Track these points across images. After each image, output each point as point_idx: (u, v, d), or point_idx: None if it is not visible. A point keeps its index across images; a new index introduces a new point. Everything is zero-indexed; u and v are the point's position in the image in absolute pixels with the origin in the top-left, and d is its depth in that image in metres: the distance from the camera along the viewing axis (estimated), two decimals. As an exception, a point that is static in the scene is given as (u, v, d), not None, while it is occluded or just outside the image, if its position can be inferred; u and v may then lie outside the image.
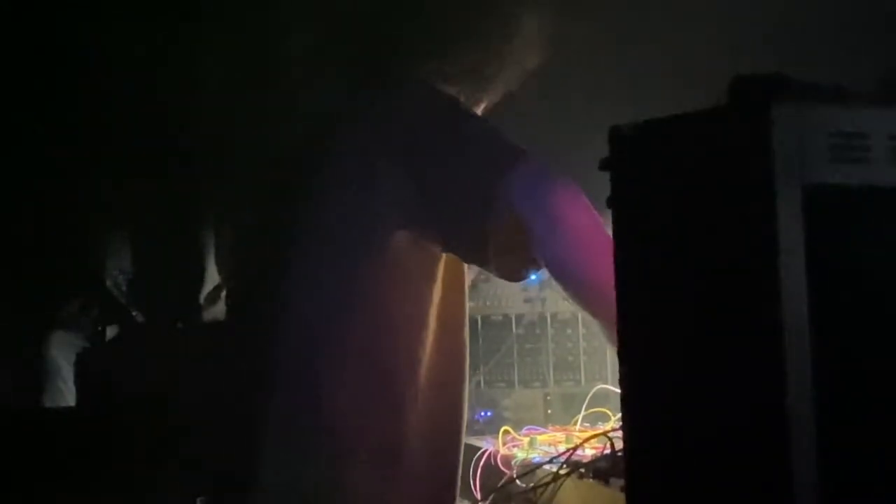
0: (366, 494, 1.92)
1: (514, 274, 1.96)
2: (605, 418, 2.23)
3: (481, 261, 1.91)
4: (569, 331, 2.63)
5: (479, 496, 2.10)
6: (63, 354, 2.59)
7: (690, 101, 1.19)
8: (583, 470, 1.83)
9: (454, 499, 2.07)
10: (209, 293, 2.22)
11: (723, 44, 2.18)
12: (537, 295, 2.65)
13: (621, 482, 1.63)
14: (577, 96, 2.41)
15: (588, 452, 1.94)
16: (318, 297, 1.94)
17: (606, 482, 1.76)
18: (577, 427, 2.26)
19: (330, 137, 1.98)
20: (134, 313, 2.26)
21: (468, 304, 2.62)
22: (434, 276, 1.96)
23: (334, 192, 1.95)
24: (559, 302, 2.64)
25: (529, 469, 2.00)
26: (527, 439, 2.20)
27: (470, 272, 2.38)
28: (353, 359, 1.92)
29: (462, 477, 2.21)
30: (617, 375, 1.32)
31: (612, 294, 1.29)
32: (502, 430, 2.22)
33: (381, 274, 1.90)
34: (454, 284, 2.02)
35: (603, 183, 1.28)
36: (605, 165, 1.28)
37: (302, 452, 1.92)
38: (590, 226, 1.73)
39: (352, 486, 1.91)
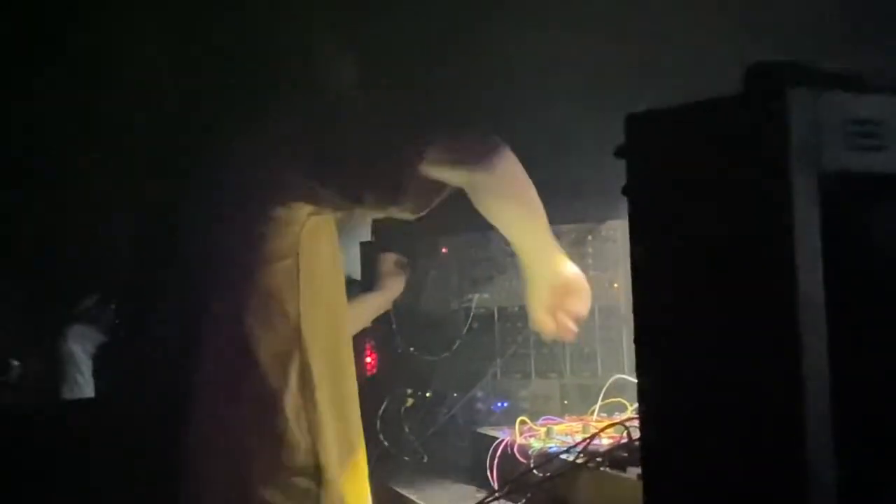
0: None
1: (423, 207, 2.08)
2: (622, 408, 2.23)
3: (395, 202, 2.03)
4: (585, 321, 2.62)
5: (496, 486, 2.10)
6: (82, 347, 2.61)
7: (704, 90, 1.19)
8: (600, 459, 1.84)
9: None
10: None
11: (738, 31, 2.18)
12: (553, 286, 2.65)
13: (638, 471, 1.63)
14: (589, 83, 2.41)
15: (605, 442, 1.94)
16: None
17: (623, 471, 1.76)
18: (594, 417, 2.25)
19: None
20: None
21: (481, 297, 2.65)
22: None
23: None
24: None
25: (546, 459, 2.00)
26: (543, 429, 2.20)
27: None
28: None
29: (479, 467, 2.21)
30: (633, 365, 1.32)
31: None
32: (519, 419, 2.22)
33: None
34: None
35: (619, 171, 1.28)
36: (620, 153, 1.28)
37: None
38: None
39: None
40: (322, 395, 1.99)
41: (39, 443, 2.24)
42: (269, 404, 1.92)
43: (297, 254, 1.98)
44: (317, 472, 1.95)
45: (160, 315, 1.99)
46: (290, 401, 1.94)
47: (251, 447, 1.92)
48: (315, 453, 1.96)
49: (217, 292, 1.95)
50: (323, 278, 2.04)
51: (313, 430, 1.96)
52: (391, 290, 2.56)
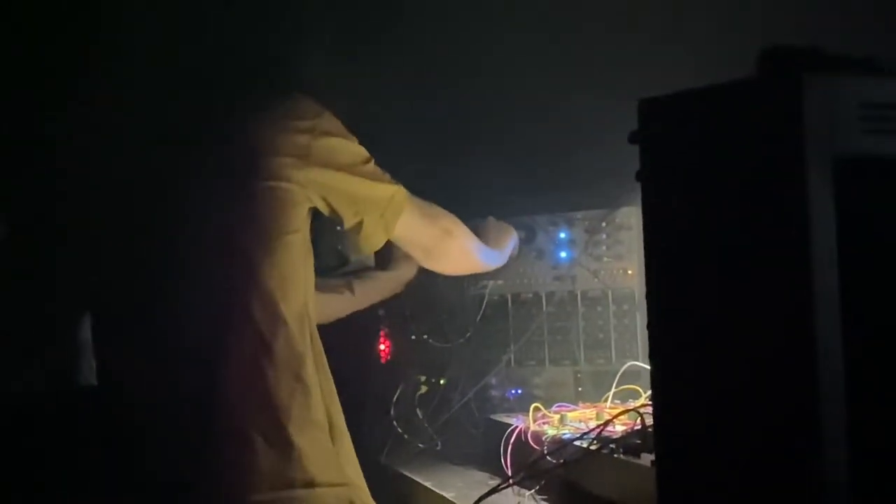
0: None
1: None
2: (636, 395, 2.22)
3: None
4: (599, 308, 2.62)
5: (510, 472, 2.10)
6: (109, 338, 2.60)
7: (718, 74, 1.19)
8: (613, 446, 1.84)
9: None
10: None
11: (752, 15, 2.17)
12: (567, 272, 2.64)
13: (652, 457, 1.63)
14: (604, 65, 2.40)
15: (618, 429, 1.94)
16: None
17: (637, 457, 1.76)
18: (608, 404, 2.25)
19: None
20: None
21: (496, 283, 2.65)
22: None
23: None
24: (589, 279, 2.63)
25: (560, 445, 2.00)
26: (557, 416, 2.20)
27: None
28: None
29: (492, 454, 2.21)
30: (647, 352, 1.32)
31: None
32: (533, 406, 2.22)
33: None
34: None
35: (630, 152, 1.28)
36: (633, 138, 1.27)
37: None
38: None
39: None
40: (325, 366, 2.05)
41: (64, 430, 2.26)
42: (298, 363, 1.97)
43: (304, 237, 2.03)
44: (332, 430, 2.01)
45: (185, 287, 2.01)
46: (310, 364, 1.99)
47: (284, 399, 1.96)
48: (330, 415, 2.01)
49: (238, 262, 1.98)
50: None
51: (327, 395, 2.02)
52: (404, 271, 2.55)
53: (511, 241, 2.60)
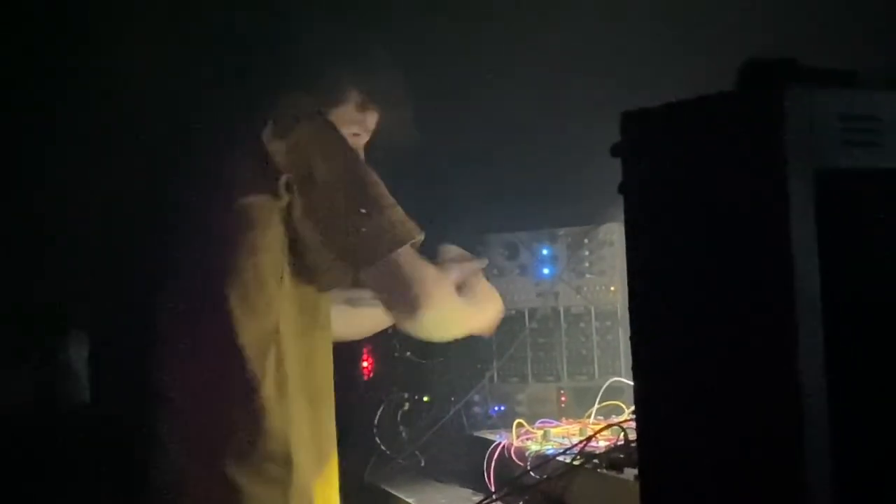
0: None
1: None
2: (619, 411, 2.23)
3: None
4: (582, 324, 2.62)
5: (493, 488, 2.10)
6: (79, 353, 2.60)
7: (700, 87, 1.19)
8: (596, 461, 1.83)
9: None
10: None
11: (733, 28, 2.18)
12: (550, 289, 2.65)
13: (635, 472, 1.63)
14: (585, 81, 2.40)
15: (602, 444, 1.94)
16: None
17: (620, 472, 1.76)
18: (591, 420, 2.25)
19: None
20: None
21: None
22: None
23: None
24: (572, 296, 2.64)
25: (543, 461, 1.99)
26: (540, 432, 2.20)
27: None
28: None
29: (476, 470, 2.21)
30: (630, 368, 1.32)
31: None
32: (516, 422, 2.22)
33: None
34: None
35: (614, 169, 1.28)
36: (616, 151, 1.27)
37: None
38: None
39: None
40: (295, 393, 1.96)
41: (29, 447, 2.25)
42: (249, 388, 1.90)
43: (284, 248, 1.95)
44: (287, 463, 1.92)
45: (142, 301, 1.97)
46: (268, 389, 1.91)
47: (227, 425, 1.90)
48: (288, 444, 1.93)
49: (201, 278, 1.93)
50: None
51: (286, 423, 1.93)
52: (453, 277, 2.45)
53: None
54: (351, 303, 2.19)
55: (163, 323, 1.93)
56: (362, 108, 2.14)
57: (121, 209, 2.02)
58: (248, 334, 1.90)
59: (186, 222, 1.95)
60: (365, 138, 2.18)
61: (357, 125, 2.14)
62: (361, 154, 2.12)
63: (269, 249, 1.93)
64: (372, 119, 2.16)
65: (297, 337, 1.98)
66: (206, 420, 1.90)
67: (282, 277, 1.95)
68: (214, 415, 1.90)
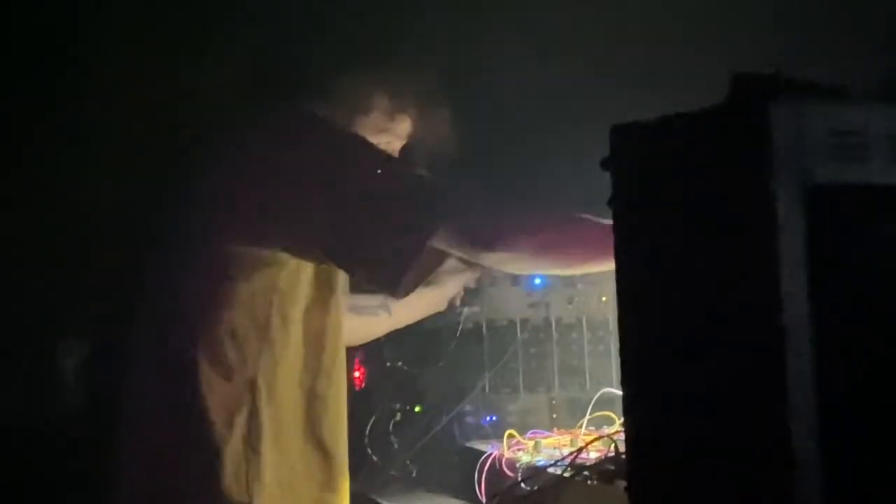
0: None
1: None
2: (611, 422, 2.22)
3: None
4: (573, 335, 2.62)
5: (484, 499, 2.09)
6: (71, 363, 2.59)
7: (689, 101, 1.19)
8: (587, 472, 1.83)
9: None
10: None
11: (721, 42, 2.19)
12: (541, 299, 2.65)
13: (625, 483, 1.63)
14: (575, 94, 2.41)
15: (592, 455, 1.93)
16: None
17: (611, 483, 1.76)
18: (582, 431, 2.25)
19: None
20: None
21: (471, 310, 2.63)
22: None
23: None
24: (564, 306, 2.63)
25: (534, 472, 1.99)
26: (531, 443, 2.19)
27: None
28: None
29: (467, 481, 2.21)
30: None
31: None
32: (507, 433, 2.22)
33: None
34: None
35: (604, 183, 1.29)
36: (605, 165, 1.28)
37: None
38: None
39: None
40: (269, 453, 1.92)
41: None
42: (210, 449, 1.85)
43: (272, 299, 1.90)
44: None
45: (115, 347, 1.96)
46: (232, 450, 1.86)
47: (183, 489, 1.86)
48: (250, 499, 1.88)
49: (174, 329, 1.88)
50: (298, 324, 1.97)
51: (252, 484, 1.89)
52: (447, 288, 2.48)
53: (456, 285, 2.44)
54: (355, 311, 2.18)
55: (131, 377, 1.90)
56: (390, 115, 2.11)
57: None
58: (216, 391, 1.85)
59: (161, 269, 1.91)
60: (398, 144, 2.15)
61: (386, 133, 2.10)
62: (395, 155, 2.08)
63: (251, 301, 1.87)
64: (404, 126, 2.13)
65: (285, 390, 1.95)
66: (160, 481, 1.88)
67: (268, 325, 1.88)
68: (169, 475, 1.87)
